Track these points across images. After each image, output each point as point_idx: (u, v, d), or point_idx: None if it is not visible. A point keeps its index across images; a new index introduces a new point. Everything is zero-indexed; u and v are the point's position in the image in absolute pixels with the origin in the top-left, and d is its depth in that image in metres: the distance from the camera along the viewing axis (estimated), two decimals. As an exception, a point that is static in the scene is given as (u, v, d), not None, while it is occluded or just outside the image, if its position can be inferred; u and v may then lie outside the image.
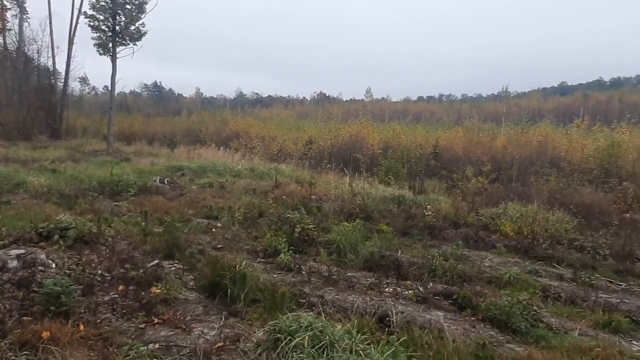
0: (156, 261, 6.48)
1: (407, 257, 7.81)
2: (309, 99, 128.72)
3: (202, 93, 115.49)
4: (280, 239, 7.88)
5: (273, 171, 19.77)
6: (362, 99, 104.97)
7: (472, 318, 5.46)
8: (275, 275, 6.56)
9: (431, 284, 6.63)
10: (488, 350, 4.50)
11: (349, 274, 7.02)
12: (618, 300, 6.46)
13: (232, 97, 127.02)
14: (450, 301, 6.01)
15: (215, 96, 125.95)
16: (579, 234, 10.26)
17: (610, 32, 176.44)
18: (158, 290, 5.32)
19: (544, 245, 9.51)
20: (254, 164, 23.04)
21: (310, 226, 8.67)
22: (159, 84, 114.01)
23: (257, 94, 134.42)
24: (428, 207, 12.01)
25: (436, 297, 6.12)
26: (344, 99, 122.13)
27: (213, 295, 5.56)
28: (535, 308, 5.55)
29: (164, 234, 7.69)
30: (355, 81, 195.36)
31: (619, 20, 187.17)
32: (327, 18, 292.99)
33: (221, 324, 4.78)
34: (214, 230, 9.30)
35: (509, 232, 10.21)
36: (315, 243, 8.40)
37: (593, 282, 7.20)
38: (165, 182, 15.94)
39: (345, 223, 9.28)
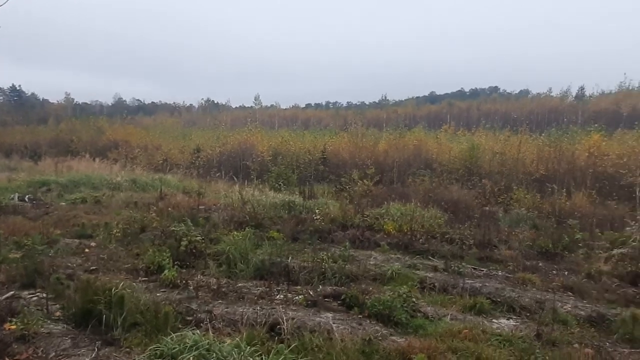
0: (11, 292, 5.60)
1: (298, 262, 7.89)
2: (196, 106, 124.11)
3: (73, 99, 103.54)
4: (165, 254, 7.39)
5: (157, 182, 18.56)
6: (252, 106, 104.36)
7: (360, 316, 5.72)
8: (158, 294, 6.11)
9: (321, 287, 6.79)
10: (373, 345, 4.74)
11: (240, 284, 6.86)
12: (480, 285, 7.32)
13: (110, 104, 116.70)
14: (339, 302, 6.21)
15: (89, 102, 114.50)
16: (449, 227, 11.42)
17: (468, 49, 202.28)
18: (13, 327, 4.59)
19: (420, 240, 10.39)
20: (136, 175, 21.41)
21: (198, 238, 8.29)
22: (17, 88, 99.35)
23: (138, 100, 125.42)
24: (317, 211, 12.33)
25: (326, 300, 6.27)
26: (233, 106, 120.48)
27: (85, 324, 4.97)
28: (414, 300, 6.01)
29: (22, 260, 6.69)
30: (244, 88, 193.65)
31: (475, 39, 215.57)
32: (213, 24, 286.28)
33: (93, 356, 4.29)
34: (86, 250, 8.38)
35: (391, 230, 10.97)
36: (204, 255, 8.06)
37: (461, 270, 8.07)
38: (27, 200, 13.95)
39: (236, 232, 9.09)
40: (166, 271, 6.79)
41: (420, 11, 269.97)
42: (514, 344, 5.01)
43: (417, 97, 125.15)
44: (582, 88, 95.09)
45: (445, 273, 8.09)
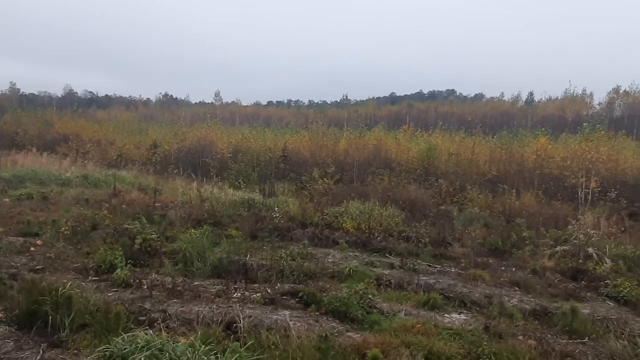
0: (-54, 294, 5.23)
1: (256, 260, 7.85)
2: (154, 101, 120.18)
3: (19, 89, 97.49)
4: (117, 252, 7.13)
5: (111, 178, 17.88)
6: (212, 102, 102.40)
7: (317, 313, 5.76)
8: (110, 294, 5.90)
9: (279, 285, 6.79)
10: (330, 341, 4.80)
11: (196, 283, 6.74)
12: (434, 281, 7.57)
13: (60, 96, 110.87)
14: (296, 299, 6.23)
15: (37, 93, 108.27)
16: (406, 225, 11.73)
17: (427, 51, 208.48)
18: (-52, 331, 4.30)
19: (378, 238, 10.61)
20: (88, 170, 20.51)
21: (153, 236, 8.07)
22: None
23: (91, 92, 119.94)
24: (277, 209, 12.31)
25: (284, 297, 6.29)
26: (193, 102, 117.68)
27: (29, 326, 4.72)
28: (370, 296, 6.13)
29: (-42, 260, 6.26)
30: (205, 84, 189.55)
31: (434, 42, 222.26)
32: (173, 16, 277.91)
33: (38, 358, 4.09)
34: (32, 249, 7.95)
35: (350, 228, 11.12)
36: (159, 254, 7.85)
37: (416, 267, 8.31)
38: (-36, 196, 13.04)
39: (193, 230, 8.91)
40: (118, 270, 6.56)
41: (382, 13, 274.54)
42: (464, 337, 5.22)
43: (378, 98, 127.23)
44: (531, 93, 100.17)
45: (401, 270, 8.30)
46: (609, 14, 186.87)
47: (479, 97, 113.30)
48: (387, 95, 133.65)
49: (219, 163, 25.89)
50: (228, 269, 7.33)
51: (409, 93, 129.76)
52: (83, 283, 6.11)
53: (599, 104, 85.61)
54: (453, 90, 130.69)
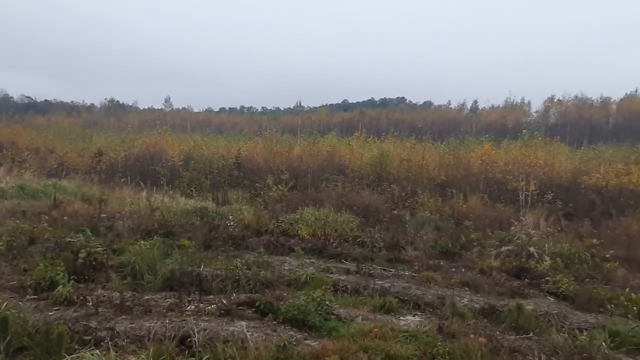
0: None
1: (211, 270, 7.66)
2: (98, 107, 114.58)
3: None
4: (59, 268, 6.70)
5: (51, 188, 16.79)
6: (162, 109, 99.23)
7: (274, 322, 5.70)
8: (51, 314, 5.52)
9: (235, 295, 6.66)
10: (288, 350, 4.75)
11: (147, 297, 6.47)
12: (389, 285, 7.72)
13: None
14: (253, 309, 6.13)
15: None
16: (360, 231, 11.89)
17: (379, 59, 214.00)
18: None
19: (334, 244, 10.67)
20: (25, 180, 19.13)
21: (99, 249, 7.67)
22: None
23: (29, 97, 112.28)
24: (231, 217, 12.08)
25: (240, 308, 6.16)
26: (141, 108, 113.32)
27: (-43, 353, 4.32)
28: (327, 303, 6.14)
29: None
30: (154, 89, 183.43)
31: (385, 49, 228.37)
32: (119, 19, 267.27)
33: (-31, 388, 3.74)
34: (-40, 268, 7.29)
35: (306, 235, 11.11)
36: (106, 268, 7.46)
37: (372, 272, 8.44)
38: None
39: (143, 242, 8.54)
40: (60, 287, 6.16)
41: (333, 20, 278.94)
42: (419, 338, 5.35)
43: (331, 105, 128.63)
44: (475, 102, 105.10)
45: (357, 275, 8.39)
46: (544, 29, 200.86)
47: (427, 104, 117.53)
48: (340, 102, 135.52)
49: (170, 171, 25.05)
50: (181, 280, 7.08)
51: (361, 100, 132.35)
52: (20, 302, 5.69)
53: (536, 112, 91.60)
54: (403, 97, 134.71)
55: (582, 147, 35.22)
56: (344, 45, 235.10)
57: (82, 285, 6.66)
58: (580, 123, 79.88)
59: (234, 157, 28.25)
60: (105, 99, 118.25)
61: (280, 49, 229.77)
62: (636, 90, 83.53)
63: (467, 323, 6.12)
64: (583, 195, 19.99)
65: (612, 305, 7.03)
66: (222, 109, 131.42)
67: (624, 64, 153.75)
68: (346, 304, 6.76)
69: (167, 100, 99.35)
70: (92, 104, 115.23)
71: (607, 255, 10.43)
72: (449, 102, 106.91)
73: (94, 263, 7.40)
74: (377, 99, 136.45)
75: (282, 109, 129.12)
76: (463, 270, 9.40)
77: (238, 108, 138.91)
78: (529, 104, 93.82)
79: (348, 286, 7.58)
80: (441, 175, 23.89)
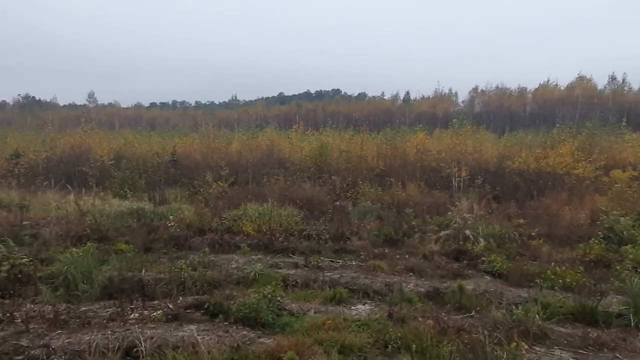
0: None
1: (153, 274, 7.30)
2: (11, 103, 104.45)
3: None
4: (-22, 285, 6.04)
5: (-41, 196, 15.07)
6: (85, 104, 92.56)
7: (225, 323, 5.55)
8: (-28, 336, 4.96)
9: (181, 298, 6.40)
10: (242, 351, 4.65)
11: (84, 308, 6.02)
12: (338, 276, 7.81)
13: None
14: (202, 311, 5.93)
15: None
16: (305, 224, 11.91)
17: (313, 51, 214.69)
18: None
19: (280, 238, 10.61)
20: None
21: (24, 260, 7.03)
22: None
23: None
24: (171, 217, 11.59)
25: (188, 311, 5.92)
26: (61, 104, 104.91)
27: None
28: (279, 298, 6.09)
29: None
30: (75, 84, 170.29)
31: (315, 46, 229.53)
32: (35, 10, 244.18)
33: None
34: None
35: (251, 231, 10.93)
36: (34, 280, 6.85)
37: (320, 264, 8.49)
38: None
39: (74, 249, 7.95)
40: (-19, 305, 5.55)
41: (263, 13, 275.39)
42: (371, 326, 5.47)
43: (267, 98, 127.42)
44: (407, 93, 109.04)
45: (306, 268, 8.41)
46: (468, 26, 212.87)
47: (362, 96, 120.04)
48: (276, 95, 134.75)
49: (99, 171, 23.48)
50: (121, 287, 6.67)
51: (297, 93, 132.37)
52: None
53: (463, 101, 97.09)
54: (338, 89, 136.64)
55: (505, 134, 37.79)
56: (279, 37, 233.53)
57: (7, 301, 6.06)
58: (502, 111, 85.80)
59: (170, 154, 27.08)
60: (19, 95, 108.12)
61: (212, 42, 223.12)
62: (548, 81, 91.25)
63: (414, 307, 6.35)
64: (508, 178, 21.47)
65: (541, 280, 7.62)
66: (152, 104, 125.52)
67: (537, 57, 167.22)
68: (297, 298, 6.75)
69: (91, 95, 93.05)
70: (4, 101, 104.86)
71: (533, 234, 11.30)
72: (382, 94, 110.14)
73: (19, 276, 6.77)
74: (312, 91, 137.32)
75: (217, 103, 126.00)
76: (407, 256, 9.74)
77: (170, 103, 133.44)
78: (456, 94, 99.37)
79: (298, 280, 7.57)
80: (380, 165, 24.55)
